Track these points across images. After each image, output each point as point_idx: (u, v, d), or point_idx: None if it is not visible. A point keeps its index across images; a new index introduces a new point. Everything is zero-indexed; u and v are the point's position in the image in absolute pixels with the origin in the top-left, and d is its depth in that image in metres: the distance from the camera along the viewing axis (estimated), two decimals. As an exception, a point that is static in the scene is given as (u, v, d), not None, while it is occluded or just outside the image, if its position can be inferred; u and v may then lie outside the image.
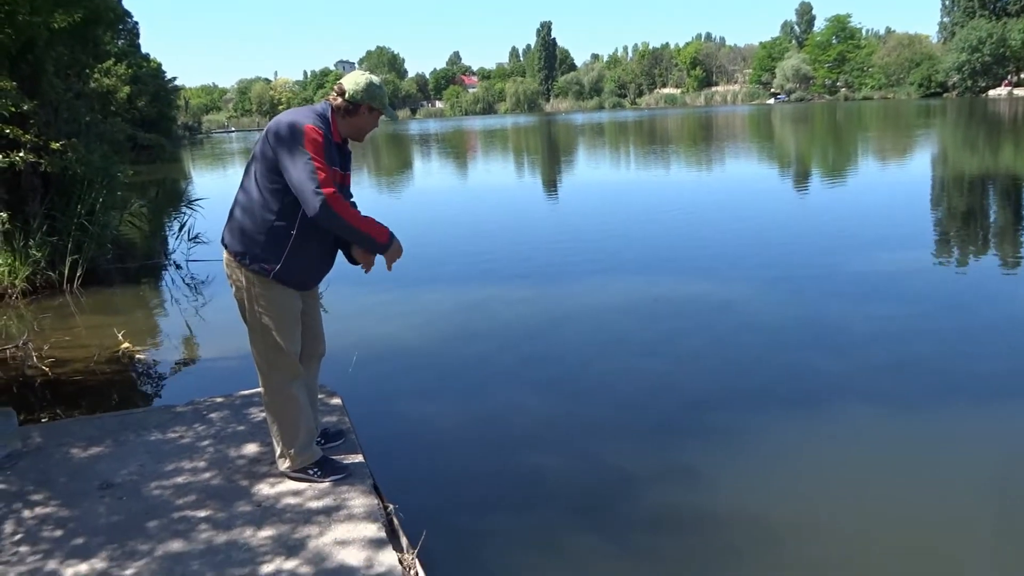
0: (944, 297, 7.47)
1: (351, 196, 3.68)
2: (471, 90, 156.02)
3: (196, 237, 11.22)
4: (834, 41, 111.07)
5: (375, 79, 3.58)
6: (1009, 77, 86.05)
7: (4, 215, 8.36)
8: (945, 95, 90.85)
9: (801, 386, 5.38)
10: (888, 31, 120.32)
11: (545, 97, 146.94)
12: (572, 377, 5.73)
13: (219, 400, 4.76)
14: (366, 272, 3.76)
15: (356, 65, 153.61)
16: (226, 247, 3.61)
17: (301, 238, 3.49)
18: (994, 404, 4.94)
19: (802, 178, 18.88)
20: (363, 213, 3.51)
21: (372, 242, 3.54)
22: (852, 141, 31.73)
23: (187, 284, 9.75)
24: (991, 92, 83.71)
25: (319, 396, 4.56)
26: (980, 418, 4.80)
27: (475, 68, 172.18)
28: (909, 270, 8.49)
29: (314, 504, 3.57)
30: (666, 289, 8.24)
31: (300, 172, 3.31)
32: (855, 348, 6.00)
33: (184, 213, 12.47)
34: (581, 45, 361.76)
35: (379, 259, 3.68)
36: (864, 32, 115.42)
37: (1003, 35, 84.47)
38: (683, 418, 4.96)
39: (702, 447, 4.52)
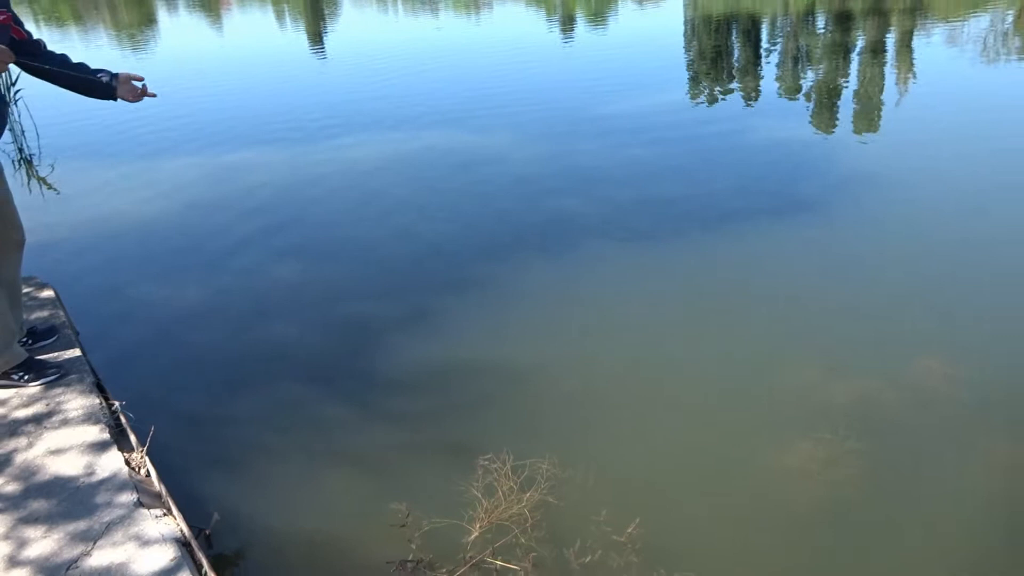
0: (688, 132, 7.85)
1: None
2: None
3: None
4: None
5: None
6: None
7: None
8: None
9: (550, 230, 5.48)
10: None
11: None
12: (321, 240, 5.46)
13: None
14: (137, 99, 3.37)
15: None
16: None
17: None
18: (727, 227, 5.33)
19: (565, 24, 18.93)
20: None
21: None
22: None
23: None
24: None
25: (26, 290, 3.99)
26: (711, 241, 5.16)
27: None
28: (658, 110, 8.83)
29: (21, 413, 3.14)
30: (422, 143, 8.00)
31: None
32: (604, 188, 6.19)
33: None
34: None
35: None
36: None
37: None
38: (433, 273, 4.90)
39: (452, 301, 4.50)
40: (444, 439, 3.38)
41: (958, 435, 3.29)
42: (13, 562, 2.41)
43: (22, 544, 2.49)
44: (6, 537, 2.51)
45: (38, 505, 2.64)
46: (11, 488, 2.72)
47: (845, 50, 12.35)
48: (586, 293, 4.58)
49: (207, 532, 2.78)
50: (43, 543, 2.48)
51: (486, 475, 3.05)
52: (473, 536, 2.80)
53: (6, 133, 8.67)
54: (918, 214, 5.45)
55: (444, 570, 2.66)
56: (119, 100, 3.35)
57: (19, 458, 2.87)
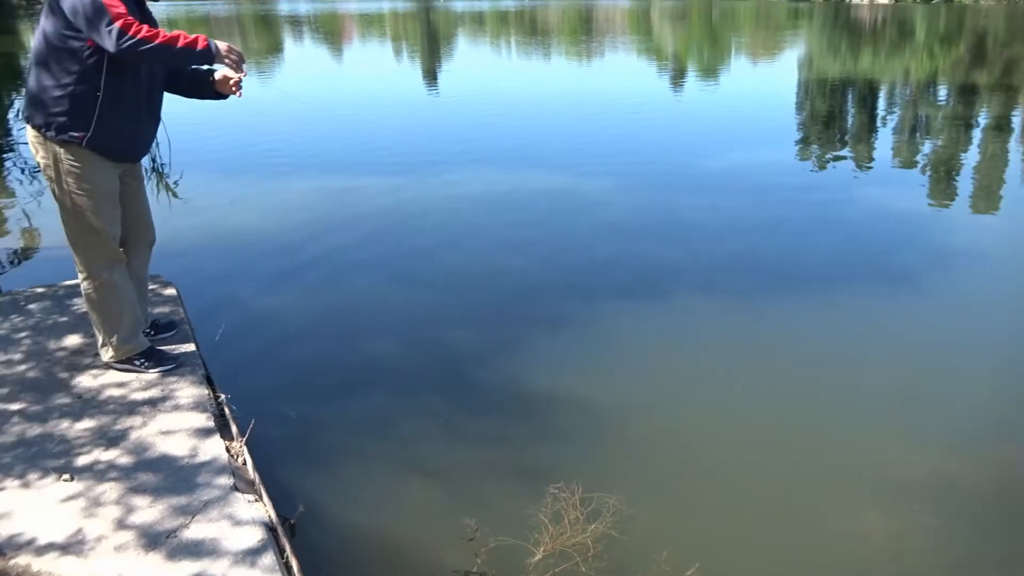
0: (793, 194, 7.84)
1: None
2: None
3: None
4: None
5: None
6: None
7: None
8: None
9: (644, 277, 5.60)
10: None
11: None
12: (423, 269, 5.73)
13: (40, 290, 4.46)
14: (238, 94, 3.44)
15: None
16: (28, 122, 3.29)
17: (110, 98, 3.17)
18: (823, 292, 5.32)
19: (677, 76, 19.11)
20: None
21: (193, 53, 3.10)
22: (726, 41, 32.23)
23: (21, 170, 8.99)
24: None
25: (152, 286, 4.36)
26: (804, 303, 5.16)
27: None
28: (765, 169, 8.84)
29: (139, 395, 3.44)
30: (526, 183, 8.25)
31: (90, 12, 2.98)
32: (701, 242, 6.26)
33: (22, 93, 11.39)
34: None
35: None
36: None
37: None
38: (527, 308, 5.08)
39: (541, 336, 4.66)
40: (519, 464, 3.52)
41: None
42: (121, 525, 2.66)
43: (130, 511, 2.74)
44: (117, 503, 2.77)
45: (146, 478, 2.90)
46: (124, 460, 3.00)
47: (967, 124, 12.03)
48: (672, 342, 4.66)
49: (292, 521, 2.98)
50: (148, 512, 2.73)
51: (555, 503, 3.16)
52: (536, 559, 2.91)
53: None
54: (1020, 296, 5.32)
55: (506, 586, 2.78)
56: (227, 96, 3.51)
57: (134, 435, 3.16)
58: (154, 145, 9.43)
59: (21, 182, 8.40)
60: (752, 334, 4.76)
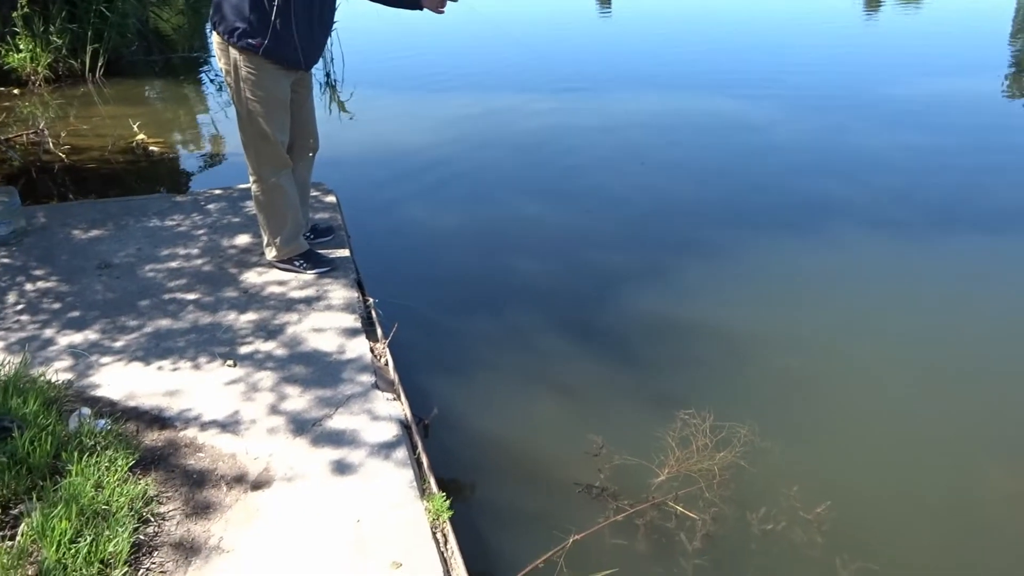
0: (982, 131, 7.07)
1: None
2: None
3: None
4: None
5: None
6: None
7: (22, -2, 8.18)
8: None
9: (805, 209, 5.29)
10: None
11: None
12: (578, 189, 5.67)
13: (218, 192, 4.83)
14: (442, 10, 3.56)
15: None
16: (214, 27, 3.50)
17: (286, 8, 3.33)
18: (994, 232, 4.84)
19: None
20: None
21: None
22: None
23: (212, 81, 9.63)
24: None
25: (314, 193, 4.61)
26: (976, 244, 4.72)
27: None
28: (954, 100, 8.00)
29: (296, 294, 3.69)
30: (694, 106, 7.92)
31: None
32: (874, 176, 5.80)
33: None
34: None
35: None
36: None
37: None
38: (676, 233, 4.96)
39: (694, 263, 4.54)
40: (651, 387, 3.50)
41: None
42: (274, 410, 2.90)
43: (283, 398, 2.98)
44: (271, 390, 3.02)
45: (298, 370, 3.13)
46: (280, 352, 3.25)
47: None
48: (824, 275, 4.42)
49: (426, 422, 3.14)
50: (298, 400, 2.95)
51: (684, 428, 3.13)
52: (660, 479, 2.92)
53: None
54: None
55: (626, 502, 2.81)
56: (424, 10, 3.61)
57: (290, 330, 3.40)
58: (328, 59, 9.91)
59: (213, 93, 9.01)
60: (913, 273, 4.43)
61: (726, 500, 2.85)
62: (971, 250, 4.69)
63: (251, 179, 3.75)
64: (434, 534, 2.37)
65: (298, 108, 3.78)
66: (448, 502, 2.48)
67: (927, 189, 5.60)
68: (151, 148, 6.56)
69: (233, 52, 3.42)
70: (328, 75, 9.34)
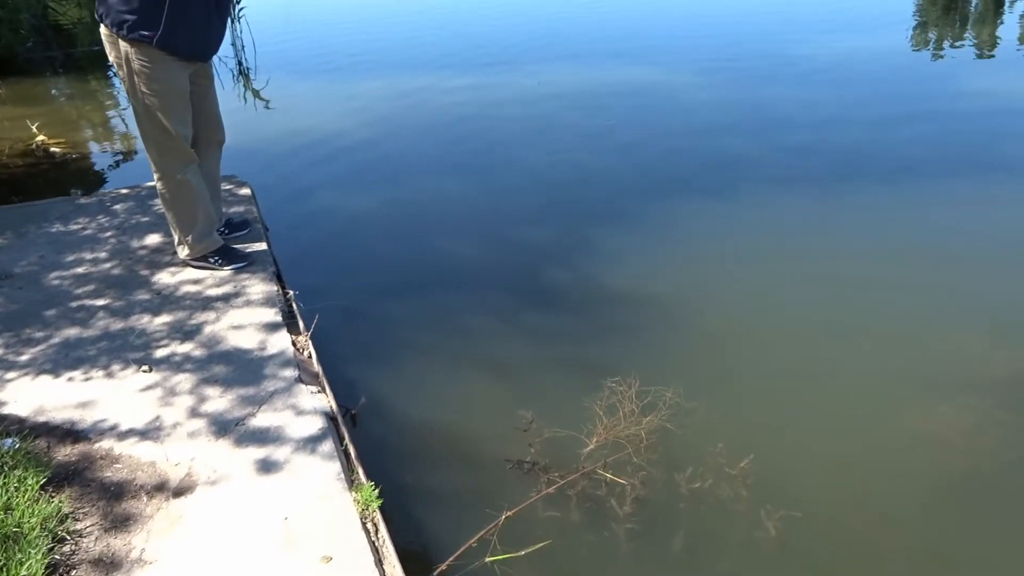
0: (902, 85, 7.30)
1: None
2: None
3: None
4: None
5: None
6: None
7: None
8: None
9: (720, 171, 5.39)
10: None
11: None
12: (497, 165, 5.67)
13: (124, 191, 4.66)
14: None
15: None
16: (100, 20, 3.34)
17: None
18: (917, 187, 5.02)
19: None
20: None
21: None
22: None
23: (117, 75, 9.26)
24: None
25: (227, 186, 4.49)
26: (886, 195, 4.89)
27: None
28: (872, 57, 8.22)
29: (213, 292, 3.60)
30: (606, 75, 7.95)
31: None
32: (788, 136, 5.95)
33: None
34: None
35: None
36: None
37: None
38: (597, 204, 4.99)
39: (615, 232, 4.59)
40: (578, 358, 3.54)
41: None
42: (194, 413, 2.83)
43: (203, 400, 2.91)
44: (191, 392, 2.94)
45: (218, 369, 3.06)
46: (198, 353, 3.17)
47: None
48: (742, 235, 4.51)
49: (353, 412, 3.11)
50: (219, 401, 2.89)
51: (611, 395, 3.18)
52: (589, 448, 2.95)
53: (228, 48, 9.57)
54: None
55: (557, 475, 2.84)
56: None
57: (207, 329, 3.32)
58: (239, 47, 9.64)
59: (120, 87, 8.67)
60: (826, 227, 4.57)
61: (654, 463, 2.90)
62: (878, 200, 4.85)
63: (155, 176, 3.62)
64: (364, 524, 2.35)
65: (200, 99, 3.65)
66: (377, 491, 2.46)
67: (836, 143, 5.76)
68: (53, 149, 6.29)
69: (123, 45, 3.28)
70: (240, 63, 9.08)
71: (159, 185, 3.63)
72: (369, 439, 3.01)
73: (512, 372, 3.47)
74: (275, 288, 3.62)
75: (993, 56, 8.55)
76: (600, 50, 9.07)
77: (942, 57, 8.48)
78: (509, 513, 2.60)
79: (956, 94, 6.97)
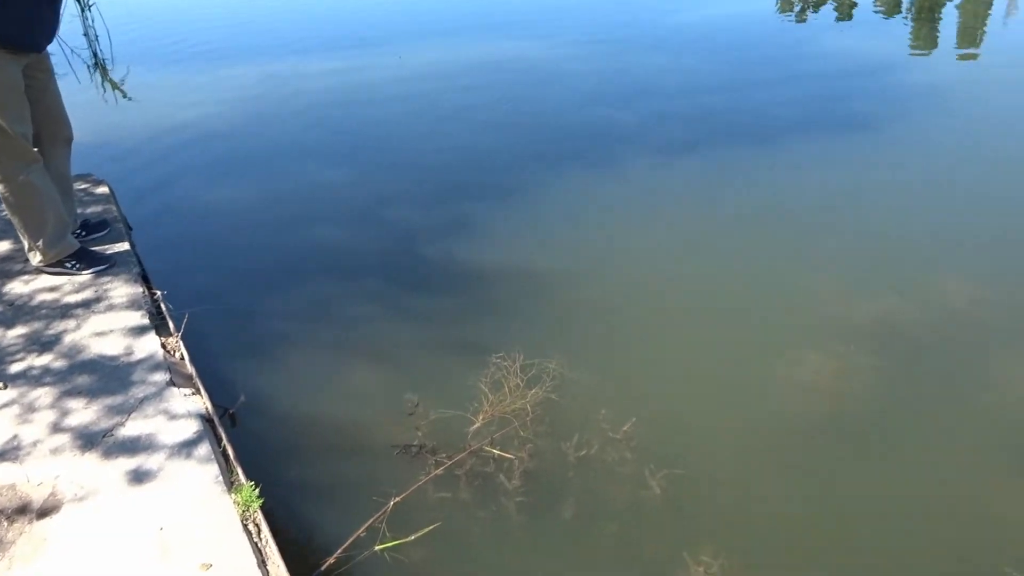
0: (768, 49, 7.57)
1: None
2: None
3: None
4: None
5: None
6: None
7: None
8: None
9: (591, 140, 5.48)
10: None
11: None
12: (368, 149, 5.57)
13: (-34, 198, 4.33)
14: None
15: None
16: None
17: None
18: (768, 144, 5.23)
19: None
20: None
21: None
22: None
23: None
24: None
25: (82, 185, 4.25)
26: (750, 156, 5.09)
27: None
28: (739, 23, 8.50)
29: (72, 298, 3.40)
30: (475, 51, 7.92)
31: None
32: (651, 102, 6.09)
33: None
34: None
35: None
36: None
37: None
38: (473, 183, 4.97)
39: (484, 208, 4.60)
40: (462, 337, 3.53)
41: (972, 355, 3.27)
42: (57, 428, 2.68)
43: (65, 413, 2.75)
44: (52, 407, 2.78)
45: (82, 380, 2.90)
46: (59, 364, 2.99)
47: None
48: (617, 203, 4.61)
49: (231, 411, 3.01)
50: (84, 413, 2.74)
51: (496, 372, 3.19)
52: (476, 426, 2.96)
53: (81, 39, 9.01)
54: (977, 138, 5.23)
55: (444, 456, 2.83)
56: None
57: (67, 338, 3.14)
58: (92, 37, 9.08)
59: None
60: (696, 190, 4.73)
61: (540, 435, 2.94)
62: (747, 162, 5.03)
63: (-4, 180, 3.37)
64: (245, 526, 2.29)
65: (40, 94, 3.41)
66: (258, 491, 2.39)
67: (704, 110, 5.94)
68: None
69: (-54, 40, 3.03)
70: (95, 55, 8.56)
71: (1, 189, 3.38)
72: (250, 437, 2.92)
73: (395, 356, 3.44)
74: (140, 290, 3.45)
75: (851, 18, 8.99)
76: (468, 25, 9.02)
77: (804, 21, 8.84)
78: (397, 499, 2.58)
79: (817, 56, 7.29)
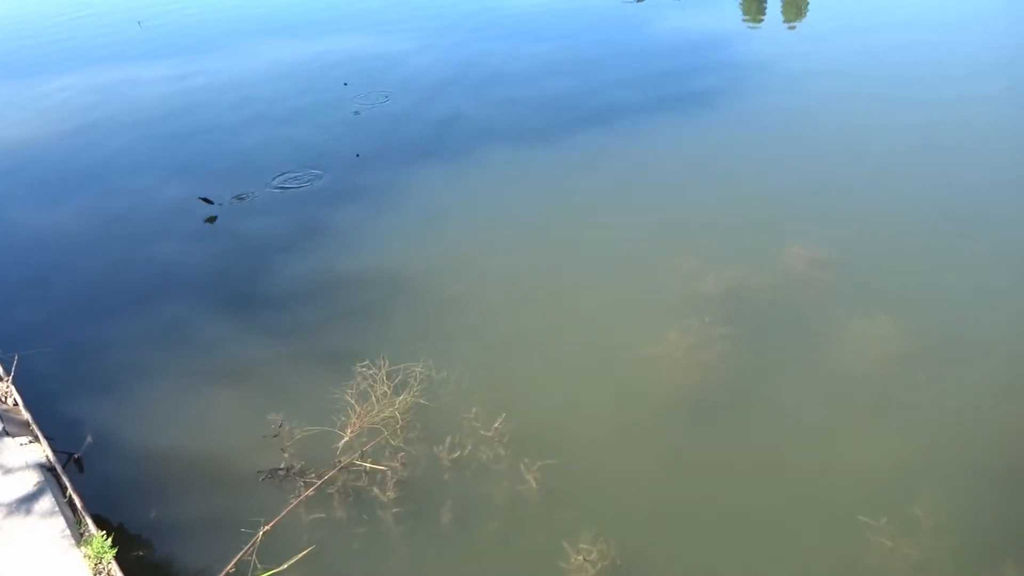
0: (597, 31, 7.71)
1: None
2: None
3: None
4: None
5: None
6: None
7: None
8: None
9: (441, 134, 5.43)
10: None
11: None
12: (205, 156, 5.33)
13: None
14: None
15: None
16: None
17: None
18: (614, 123, 5.36)
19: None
20: None
21: None
22: None
23: None
24: None
25: None
26: (598, 137, 5.20)
27: None
28: (574, 8, 8.60)
29: None
30: (317, 49, 7.68)
31: None
32: (498, 90, 6.12)
33: None
34: None
35: None
36: None
37: None
38: (320, 184, 4.83)
39: (334, 212, 4.48)
40: (323, 349, 3.42)
41: (814, 313, 3.45)
42: None
43: None
44: None
45: (-103, 442, 2.62)
46: None
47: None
48: (470, 197, 4.59)
49: (77, 456, 2.80)
50: (-98, 479, 2.47)
51: (362, 381, 3.11)
52: (344, 441, 2.88)
53: None
54: (810, 107, 5.54)
55: (314, 475, 2.74)
56: None
57: None
58: None
59: None
60: (548, 177, 4.78)
61: (412, 442, 2.89)
62: (595, 142, 5.11)
63: None
64: (99, 580, 2.13)
65: None
66: (111, 540, 2.24)
67: (550, 93, 5.99)
68: None
69: None
70: None
71: None
72: (101, 482, 2.73)
73: (255, 376, 3.29)
74: (-39, 334, 3.16)
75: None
76: (308, 22, 8.77)
77: (643, 0, 9.07)
78: (267, 527, 2.48)
79: (659, 34, 7.48)
